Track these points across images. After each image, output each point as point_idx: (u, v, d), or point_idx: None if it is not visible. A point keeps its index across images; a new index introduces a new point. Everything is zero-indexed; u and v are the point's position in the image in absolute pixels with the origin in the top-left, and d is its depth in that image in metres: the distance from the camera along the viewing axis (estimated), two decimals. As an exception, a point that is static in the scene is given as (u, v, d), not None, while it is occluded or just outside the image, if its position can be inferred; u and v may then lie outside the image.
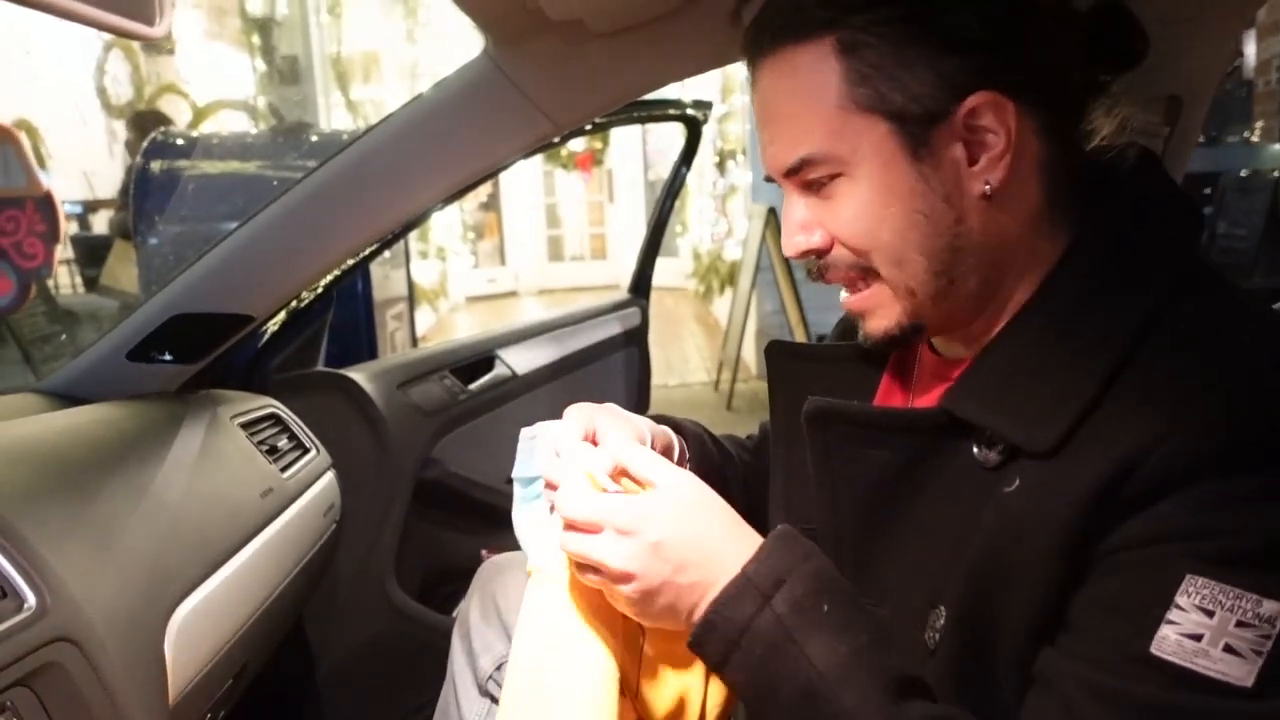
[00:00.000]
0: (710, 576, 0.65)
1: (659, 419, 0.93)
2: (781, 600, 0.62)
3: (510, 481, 0.83)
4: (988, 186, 0.66)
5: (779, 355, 0.91)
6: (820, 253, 0.72)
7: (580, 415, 0.80)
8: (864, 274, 0.71)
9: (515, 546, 0.83)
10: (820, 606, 0.63)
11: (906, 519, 0.70)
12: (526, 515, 0.81)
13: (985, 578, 0.62)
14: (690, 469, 0.90)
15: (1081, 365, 0.62)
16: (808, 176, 0.69)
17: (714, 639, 0.64)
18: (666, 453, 0.88)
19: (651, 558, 0.65)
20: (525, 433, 0.82)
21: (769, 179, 0.74)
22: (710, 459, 0.96)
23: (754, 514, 0.96)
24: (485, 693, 0.93)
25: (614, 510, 0.66)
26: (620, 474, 0.72)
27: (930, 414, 0.69)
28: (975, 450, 0.66)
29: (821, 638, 0.61)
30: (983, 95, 0.64)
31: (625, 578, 0.65)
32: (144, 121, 4.96)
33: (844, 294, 0.74)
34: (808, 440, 0.76)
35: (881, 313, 0.72)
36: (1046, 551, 0.58)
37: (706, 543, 0.66)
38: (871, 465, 0.72)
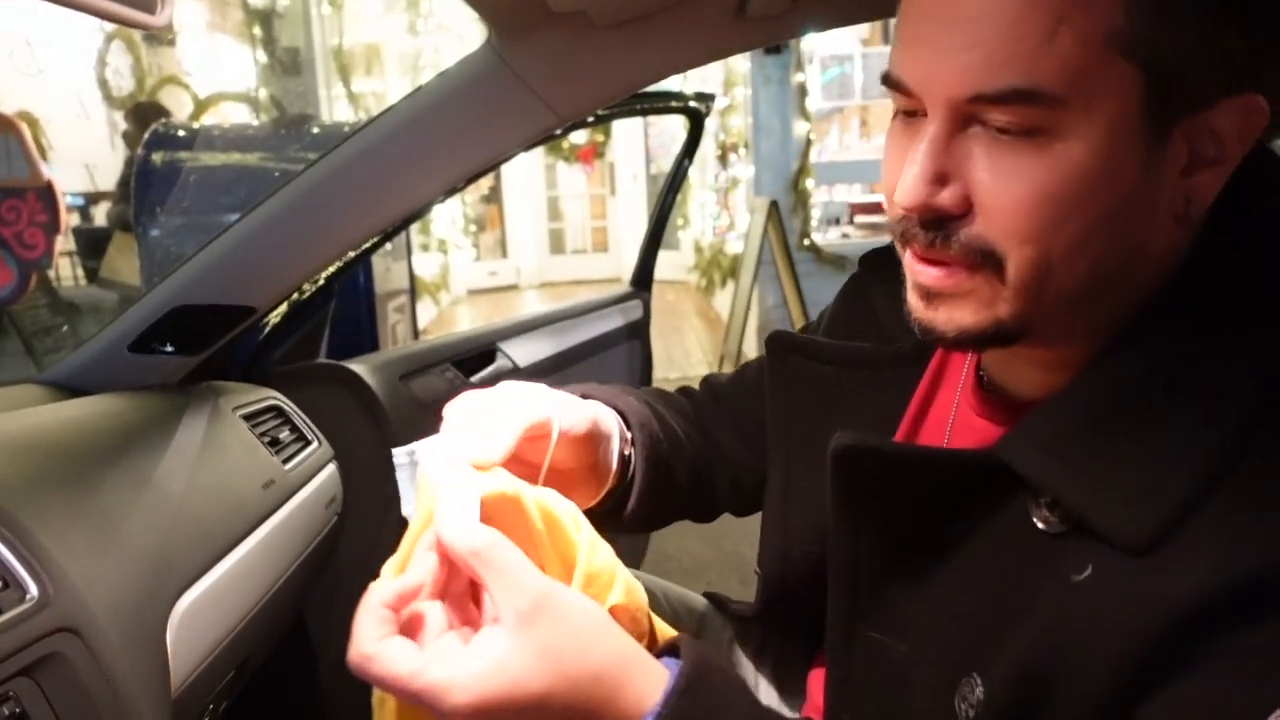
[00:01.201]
0: None
1: (591, 394, 0.80)
2: None
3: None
4: (1190, 205, 0.53)
5: (784, 350, 0.80)
6: (941, 216, 0.54)
7: (460, 421, 0.64)
8: (982, 260, 0.54)
9: None
10: None
11: (940, 565, 0.59)
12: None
13: (1039, 668, 0.51)
14: (637, 466, 0.79)
15: (1190, 441, 0.50)
16: (996, 117, 0.50)
17: None
18: (589, 443, 0.73)
19: None
20: (399, 456, 0.66)
21: (892, 88, 0.55)
22: (659, 453, 0.82)
23: (697, 501, 0.92)
24: None
25: (407, 676, 0.49)
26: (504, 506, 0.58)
27: (980, 460, 0.57)
28: (1031, 510, 0.54)
29: None
30: (1253, 99, 0.51)
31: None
32: (143, 113, 4.95)
33: (919, 264, 0.57)
34: (830, 474, 0.63)
35: (971, 307, 0.55)
36: (1124, 658, 0.47)
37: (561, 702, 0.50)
38: (904, 506, 0.61)
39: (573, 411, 0.71)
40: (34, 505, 0.77)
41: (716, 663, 0.55)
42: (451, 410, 0.66)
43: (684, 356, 6.29)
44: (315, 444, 1.37)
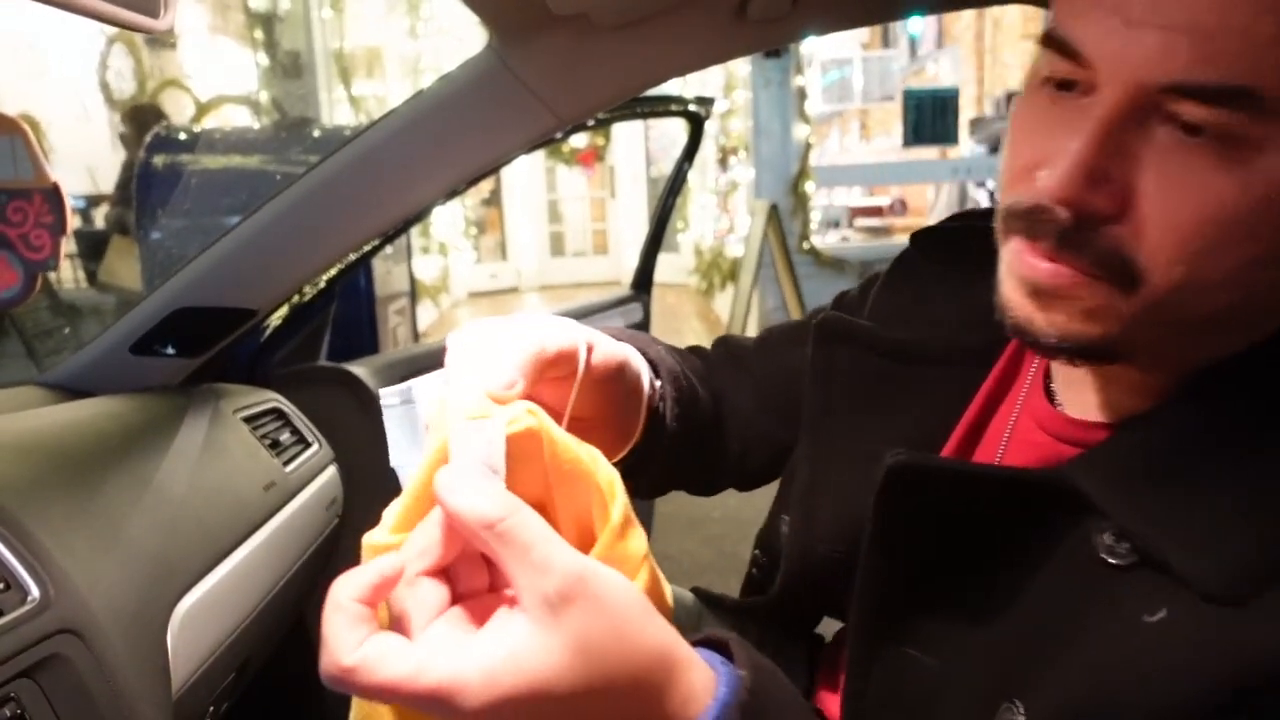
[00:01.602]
0: None
1: (620, 335, 0.68)
2: None
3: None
4: None
5: (835, 338, 0.72)
6: (1093, 218, 0.46)
7: (468, 352, 0.51)
8: (1112, 272, 0.47)
9: None
10: None
11: (986, 585, 0.54)
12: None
13: (1093, 704, 0.47)
14: (669, 423, 0.70)
15: None
16: (1192, 113, 0.43)
17: None
18: (617, 387, 0.62)
19: None
20: (388, 396, 0.56)
21: (1055, 50, 0.48)
22: (687, 412, 0.72)
23: (704, 467, 0.83)
24: None
25: (406, 679, 0.38)
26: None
27: (1048, 481, 0.52)
28: (1095, 538, 0.49)
29: None
30: None
31: None
32: (141, 116, 4.95)
33: (1035, 257, 0.49)
34: (880, 487, 0.57)
35: (1083, 314, 0.49)
36: (1200, 708, 0.43)
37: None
38: (954, 522, 0.55)
39: (602, 346, 0.58)
40: (35, 507, 0.78)
41: (772, 667, 0.48)
42: (456, 340, 0.52)
43: (684, 359, 6.30)
44: (316, 446, 1.38)
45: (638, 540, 0.47)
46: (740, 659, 0.46)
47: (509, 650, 0.39)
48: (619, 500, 0.47)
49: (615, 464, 0.62)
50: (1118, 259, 0.46)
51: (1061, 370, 0.60)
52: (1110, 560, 0.48)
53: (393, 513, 0.46)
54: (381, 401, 0.56)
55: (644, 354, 0.70)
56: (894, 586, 0.58)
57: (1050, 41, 0.48)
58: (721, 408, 0.83)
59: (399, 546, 0.43)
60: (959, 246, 0.71)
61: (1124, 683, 0.45)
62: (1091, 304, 0.48)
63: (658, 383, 0.70)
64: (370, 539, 0.45)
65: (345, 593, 0.41)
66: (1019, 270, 0.51)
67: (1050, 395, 0.61)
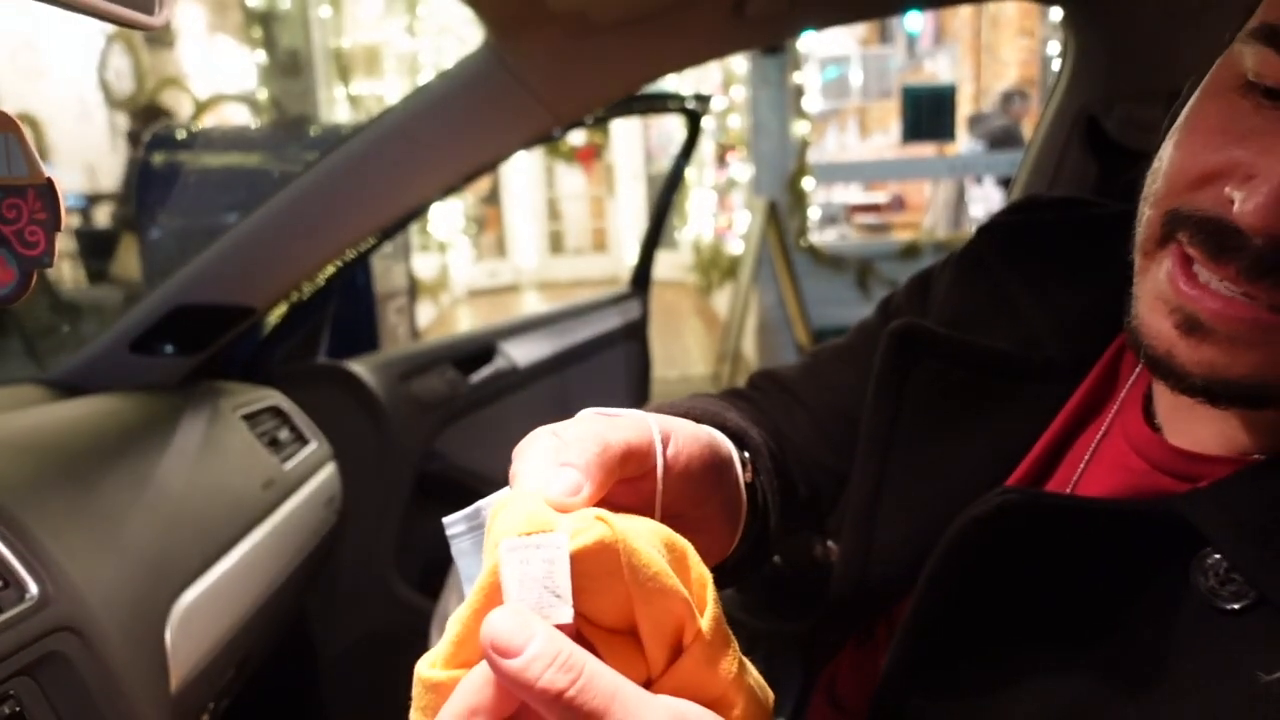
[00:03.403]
0: None
1: (691, 412, 0.59)
2: None
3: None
4: None
5: (916, 348, 0.64)
6: None
7: (535, 463, 0.41)
8: None
9: None
10: None
11: (1060, 617, 0.49)
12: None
13: None
14: (769, 499, 0.61)
15: None
16: None
17: None
18: (708, 475, 0.50)
19: None
20: (454, 525, 0.46)
21: (1274, 46, 0.42)
22: (785, 478, 0.64)
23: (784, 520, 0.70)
24: None
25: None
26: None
27: (1155, 514, 0.47)
28: (1198, 578, 0.45)
29: None
30: None
31: None
32: (147, 115, 4.97)
33: (1187, 284, 0.45)
34: (969, 523, 0.51)
35: (1247, 355, 0.43)
36: None
37: None
38: (1036, 553, 0.50)
39: (681, 432, 0.48)
40: (35, 504, 0.78)
41: None
42: (522, 451, 0.43)
43: (682, 356, 6.29)
44: (315, 444, 1.38)
45: (730, 655, 0.40)
46: None
47: None
48: (710, 609, 0.40)
49: (728, 557, 0.57)
50: None
51: (1168, 394, 0.52)
52: (1217, 604, 0.44)
53: (448, 639, 0.38)
54: (448, 532, 0.47)
55: (719, 424, 0.60)
56: (959, 615, 0.53)
57: (1269, 36, 0.42)
58: (784, 447, 0.73)
59: (450, 686, 0.37)
60: (1030, 242, 0.66)
61: None
62: (1258, 344, 0.43)
63: (746, 454, 0.60)
64: (422, 671, 0.39)
65: None
66: (1173, 297, 0.45)
67: (1149, 419, 0.55)
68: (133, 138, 4.84)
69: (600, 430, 0.43)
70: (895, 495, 0.63)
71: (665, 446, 0.46)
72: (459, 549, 0.46)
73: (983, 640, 0.51)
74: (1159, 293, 0.46)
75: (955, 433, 0.62)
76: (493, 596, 0.36)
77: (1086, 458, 0.57)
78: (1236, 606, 0.43)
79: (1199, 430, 0.51)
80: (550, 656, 0.33)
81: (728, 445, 0.56)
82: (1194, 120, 0.46)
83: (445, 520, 0.46)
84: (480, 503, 0.45)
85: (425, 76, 6.65)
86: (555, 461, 0.41)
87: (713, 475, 0.51)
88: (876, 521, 0.64)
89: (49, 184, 0.46)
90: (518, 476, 0.42)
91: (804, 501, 0.70)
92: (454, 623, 0.38)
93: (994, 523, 0.50)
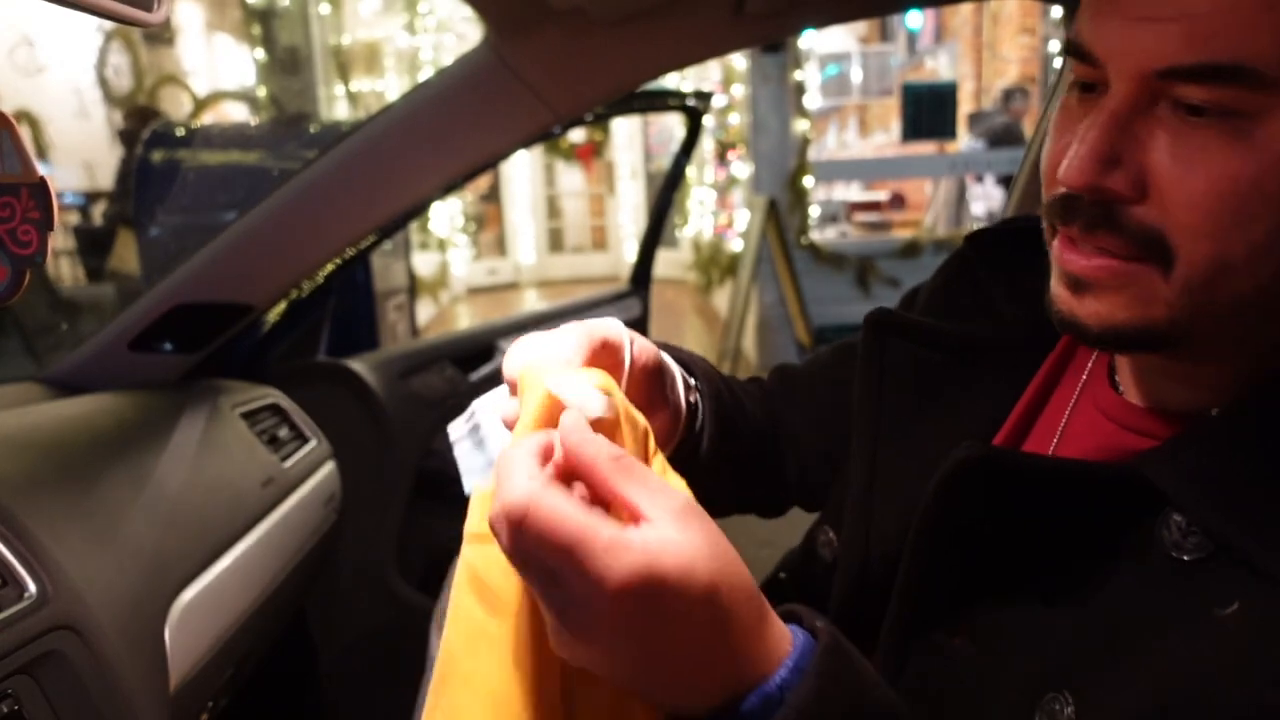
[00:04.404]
0: (713, 682, 0.42)
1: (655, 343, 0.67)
2: None
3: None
4: None
5: (886, 332, 0.71)
6: (1112, 199, 0.49)
7: (525, 346, 0.56)
8: (1147, 250, 0.48)
9: None
10: None
11: (1039, 576, 0.54)
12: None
13: (1156, 698, 0.45)
14: (705, 414, 0.71)
15: None
16: (1191, 94, 0.46)
17: None
18: (658, 377, 0.63)
19: (626, 628, 0.40)
20: (455, 430, 0.57)
21: (1075, 57, 0.51)
22: (723, 406, 0.73)
23: (762, 482, 0.84)
24: None
25: (586, 525, 0.39)
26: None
27: (1118, 475, 0.52)
28: (1163, 532, 0.49)
29: None
30: None
31: (577, 637, 0.41)
32: (141, 115, 4.97)
33: (1070, 252, 0.52)
34: (940, 480, 0.56)
35: (1124, 302, 0.50)
36: (1276, 697, 0.42)
37: (716, 628, 0.41)
38: (1012, 514, 0.55)
39: (641, 340, 0.61)
40: (33, 503, 0.78)
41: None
42: (512, 350, 0.56)
43: (683, 355, 6.29)
44: (314, 442, 1.37)
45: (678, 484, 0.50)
46: (811, 623, 0.47)
47: (660, 537, 0.40)
48: (659, 456, 0.52)
49: (671, 449, 0.68)
50: (1148, 237, 0.48)
51: (1125, 361, 0.60)
52: (1178, 555, 0.48)
53: (486, 501, 0.47)
54: (451, 437, 0.57)
55: (675, 357, 0.71)
56: (941, 576, 0.58)
57: (1070, 48, 0.52)
58: (779, 429, 0.85)
59: None
60: (1014, 247, 0.71)
61: (1193, 677, 0.44)
62: (1132, 291, 0.50)
63: (692, 380, 0.72)
64: (472, 527, 0.47)
65: (528, 445, 0.44)
66: (1060, 265, 0.53)
67: (1114, 385, 0.61)
68: (125, 137, 4.83)
69: (586, 324, 0.57)
70: (887, 475, 0.69)
71: (632, 346, 0.59)
72: (460, 450, 0.56)
73: (968, 597, 0.56)
74: (1056, 266, 0.54)
75: (935, 409, 0.68)
76: (552, 411, 0.46)
77: (1062, 424, 0.62)
78: (1195, 557, 0.47)
79: (1155, 391, 0.57)
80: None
81: (676, 367, 0.68)
82: (1052, 121, 0.54)
83: (449, 427, 0.57)
84: (474, 404, 0.56)
85: (425, 74, 6.65)
86: (553, 342, 0.54)
87: (662, 382, 0.64)
88: (874, 503, 0.69)
89: (42, 182, 0.45)
90: (521, 353, 0.54)
91: (751, 454, 0.79)
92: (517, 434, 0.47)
93: (961, 479, 0.55)
